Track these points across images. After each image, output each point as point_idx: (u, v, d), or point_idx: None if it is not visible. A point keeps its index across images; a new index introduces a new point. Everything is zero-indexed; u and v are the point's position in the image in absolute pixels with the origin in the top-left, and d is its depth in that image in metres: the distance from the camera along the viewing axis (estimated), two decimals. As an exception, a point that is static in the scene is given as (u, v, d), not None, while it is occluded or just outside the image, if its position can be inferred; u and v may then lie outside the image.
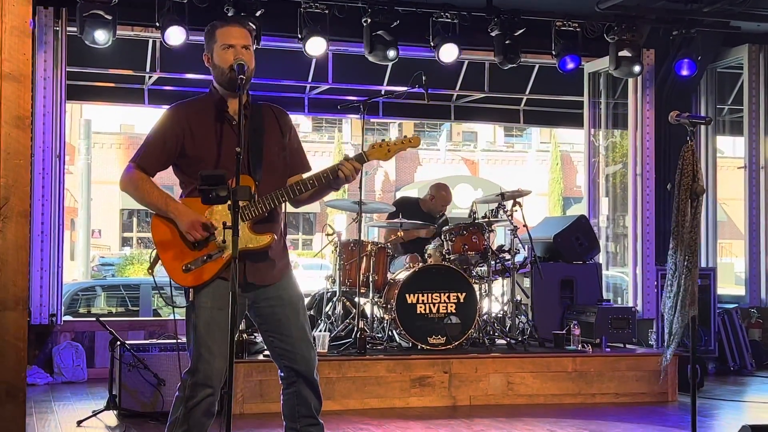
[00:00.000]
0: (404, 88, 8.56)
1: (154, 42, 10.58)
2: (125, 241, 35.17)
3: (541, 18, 10.08)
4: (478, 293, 8.22)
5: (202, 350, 3.99)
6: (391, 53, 9.46)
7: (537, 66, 11.97)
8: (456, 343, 7.97)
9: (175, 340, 7.11)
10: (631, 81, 10.42)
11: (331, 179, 4.11)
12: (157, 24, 9.07)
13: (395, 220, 8.76)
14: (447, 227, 8.66)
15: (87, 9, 8.61)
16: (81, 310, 12.99)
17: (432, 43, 9.73)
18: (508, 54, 9.93)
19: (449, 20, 9.68)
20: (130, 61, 10.94)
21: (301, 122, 35.18)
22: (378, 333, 8.24)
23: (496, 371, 7.81)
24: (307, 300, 7.56)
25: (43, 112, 8.68)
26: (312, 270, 21.13)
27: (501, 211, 8.55)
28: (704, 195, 4.58)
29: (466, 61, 11.70)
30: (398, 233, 8.75)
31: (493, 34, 9.90)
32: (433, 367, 7.69)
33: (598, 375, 8.01)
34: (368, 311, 8.45)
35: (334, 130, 37.63)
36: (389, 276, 8.41)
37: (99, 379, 8.61)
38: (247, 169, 4.03)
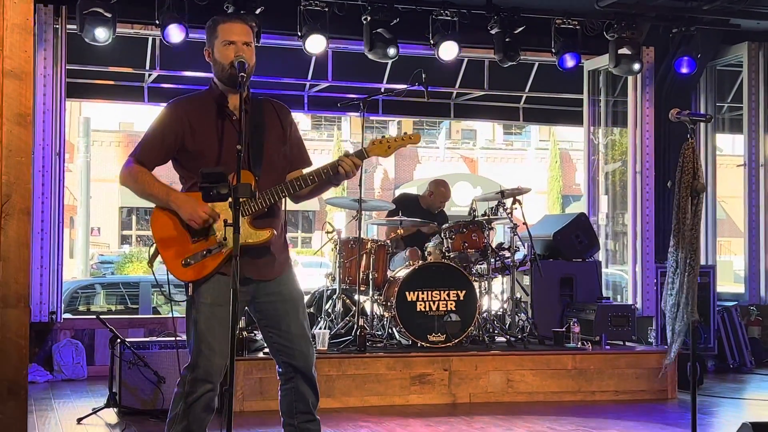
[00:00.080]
0: (404, 86, 8.56)
1: (153, 40, 10.58)
2: (124, 239, 35.17)
3: (540, 16, 10.08)
4: (477, 291, 8.22)
5: (202, 346, 4.00)
6: (391, 51, 9.46)
7: (536, 64, 11.98)
8: (456, 341, 7.97)
9: (174, 338, 7.15)
10: (630, 79, 10.42)
11: (331, 175, 4.11)
12: (157, 22, 9.05)
13: (395, 218, 8.76)
14: (447, 225, 8.66)
15: (87, 7, 8.61)
16: (80, 308, 12.99)
17: (432, 41, 9.73)
18: (507, 52, 9.94)
19: (449, 18, 9.68)
20: (129, 59, 10.94)
21: (301, 120, 35.17)
22: (378, 330, 8.25)
23: (496, 369, 7.82)
24: (306, 297, 7.57)
25: (42, 109, 8.68)
26: (311, 268, 21.14)
27: (501, 209, 8.55)
28: (704, 192, 4.57)
29: (466, 59, 11.71)
30: (398, 231, 8.76)
31: (492, 31, 9.90)
32: (433, 365, 7.69)
33: (597, 372, 8.02)
34: (368, 309, 8.45)
35: (333, 128, 37.64)
36: (389, 273, 8.41)
37: (99, 376, 8.62)
38: (248, 164, 4.03)
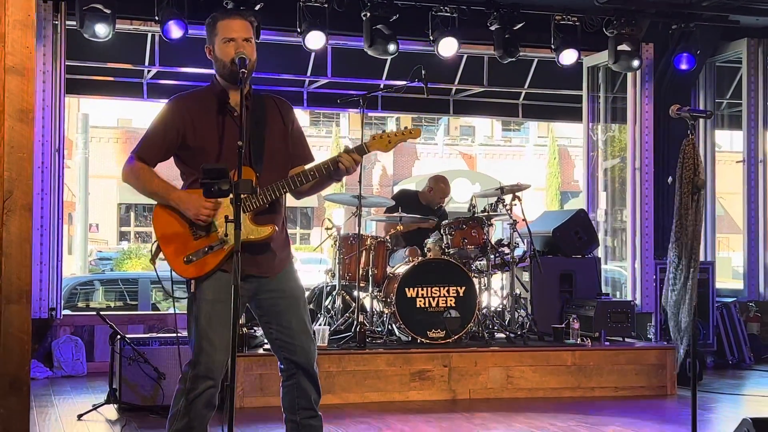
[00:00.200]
0: (404, 83, 8.57)
1: (153, 36, 10.56)
2: (123, 236, 35.15)
3: (540, 12, 10.08)
4: (477, 287, 8.23)
5: (204, 342, 4.00)
6: (391, 47, 9.46)
7: (536, 60, 11.98)
8: (455, 337, 7.98)
9: (174, 334, 7.15)
10: (630, 75, 10.43)
11: (332, 170, 4.11)
12: (156, 18, 9.05)
13: (395, 214, 8.76)
14: (446, 221, 8.66)
15: (86, 3, 8.61)
16: (79, 305, 13.00)
17: (431, 37, 9.73)
18: (507, 48, 9.94)
19: (448, 14, 9.68)
20: (128, 55, 10.93)
21: (299, 116, 34.97)
22: (377, 327, 8.25)
23: (496, 365, 7.82)
24: (306, 294, 7.57)
25: (42, 106, 8.67)
26: (310, 264, 21.15)
27: (500, 206, 8.56)
28: (704, 189, 4.57)
29: (465, 55, 11.70)
30: (398, 227, 8.76)
31: (492, 28, 9.90)
32: (433, 361, 7.70)
33: (597, 369, 8.02)
34: (368, 305, 8.46)
35: (332, 125, 37.62)
36: (389, 270, 8.42)
37: (98, 373, 8.62)
38: (249, 160, 4.03)
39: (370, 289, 8.24)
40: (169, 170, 4.31)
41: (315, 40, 9.31)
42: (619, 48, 9.96)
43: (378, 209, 9.77)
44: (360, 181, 7.88)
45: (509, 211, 8.56)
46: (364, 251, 8.23)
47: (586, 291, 9.05)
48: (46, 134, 8.70)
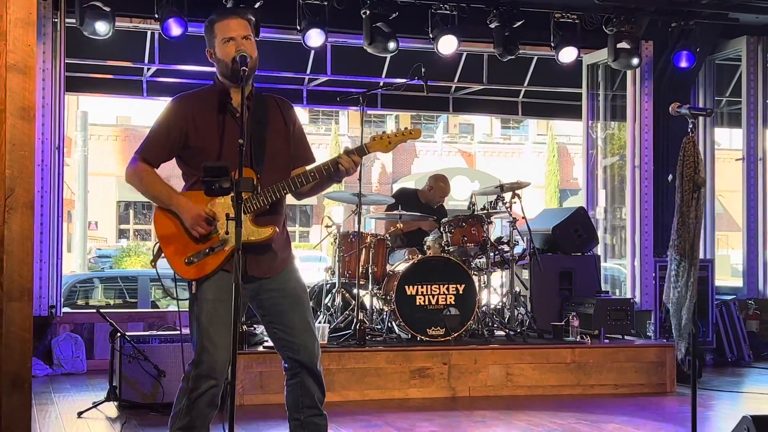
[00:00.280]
0: (403, 80, 8.57)
1: (152, 33, 10.56)
2: (122, 233, 35.16)
3: (539, 10, 10.08)
4: (477, 285, 8.23)
5: (206, 342, 4.01)
6: (392, 45, 9.46)
7: (535, 58, 11.99)
8: (455, 335, 7.98)
9: (175, 332, 7.16)
10: (629, 73, 10.43)
11: (332, 171, 4.12)
12: (156, 15, 9.05)
13: (394, 212, 8.77)
14: (446, 219, 8.67)
15: (86, 0, 8.60)
16: (79, 302, 13.01)
17: (431, 35, 9.73)
18: (507, 46, 9.93)
19: (448, 12, 9.67)
20: (128, 53, 10.93)
21: (299, 114, 35.06)
22: (377, 324, 8.26)
23: (495, 362, 7.83)
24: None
25: (42, 103, 8.66)
26: (309, 262, 21.13)
27: (500, 203, 8.56)
28: (705, 186, 4.57)
29: (465, 53, 11.70)
30: (398, 225, 8.77)
31: (492, 25, 9.89)
32: (433, 359, 7.70)
33: (596, 366, 8.03)
34: (367, 303, 8.46)
35: (331, 122, 37.62)
36: (388, 268, 8.42)
37: (98, 370, 8.63)
38: (250, 160, 4.03)
39: (370, 286, 8.25)
40: (170, 169, 4.31)
41: (314, 38, 9.30)
42: (619, 46, 9.96)
43: (377, 207, 9.76)
44: (360, 179, 7.88)
45: (509, 209, 8.57)
46: (363, 249, 8.24)
47: (585, 289, 9.06)
48: (46, 132, 8.70)
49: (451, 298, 8.05)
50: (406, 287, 7.98)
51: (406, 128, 4.35)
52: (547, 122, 36.89)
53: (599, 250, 10.41)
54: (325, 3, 9.29)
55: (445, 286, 8.05)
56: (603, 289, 9.51)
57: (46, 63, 8.71)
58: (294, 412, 4.25)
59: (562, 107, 13.22)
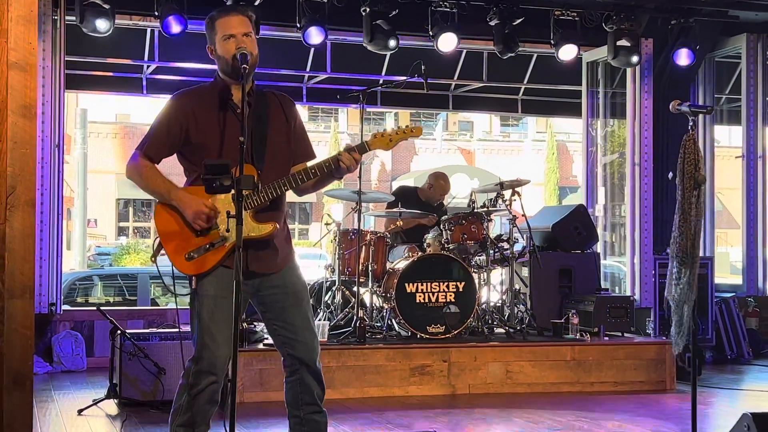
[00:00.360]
0: (403, 78, 8.56)
1: (152, 31, 10.56)
2: (121, 231, 35.16)
3: (539, 7, 10.07)
4: (477, 282, 8.24)
5: (206, 338, 4.02)
6: (392, 43, 9.46)
7: (535, 55, 11.99)
8: (455, 332, 7.99)
9: (175, 329, 7.16)
10: (629, 70, 10.42)
11: (333, 168, 4.13)
12: (156, 13, 9.05)
13: (394, 210, 8.77)
14: (446, 217, 8.67)
15: (86, -3, 8.62)
16: (78, 300, 12.99)
17: (431, 33, 9.72)
18: (507, 43, 9.93)
19: (448, 9, 9.67)
20: (128, 50, 10.92)
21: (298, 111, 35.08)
22: (377, 322, 8.27)
23: (495, 360, 7.84)
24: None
25: (41, 101, 8.65)
26: (309, 259, 21.13)
27: (500, 201, 8.56)
28: (705, 184, 4.58)
29: (465, 51, 11.70)
30: (398, 222, 8.77)
31: (491, 23, 9.89)
32: (432, 356, 7.71)
33: (596, 364, 8.04)
34: (367, 300, 8.47)
35: (331, 120, 37.63)
36: (388, 265, 8.43)
37: (98, 368, 8.64)
38: (250, 157, 4.04)
39: (370, 284, 8.25)
40: (170, 166, 4.32)
41: (314, 35, 9.30)
42: (619, 43, 9.96)
43: (377, 204, 9.76)
44: (360, 177, 7.89)
45: (509, 207, 8.57)
46: (363, 246, 8.24)
47: (585, 286, 9.06)
48: (46, 130, 8.69)
49: (450, 295, 8.05)
50: (406, 285, 7.99)
51: (407, 126, 4.35)
52: (546, 120, 36.91)
53: (599, 247, 10.42)
54: (325, 0, 9.30)
55: (445, 283, 8.05)
56: (603, 286, 9.51)
57: (46, 60, 8.71)
58: (293, 409, 4.25)
59: (561, 105, 13.22)
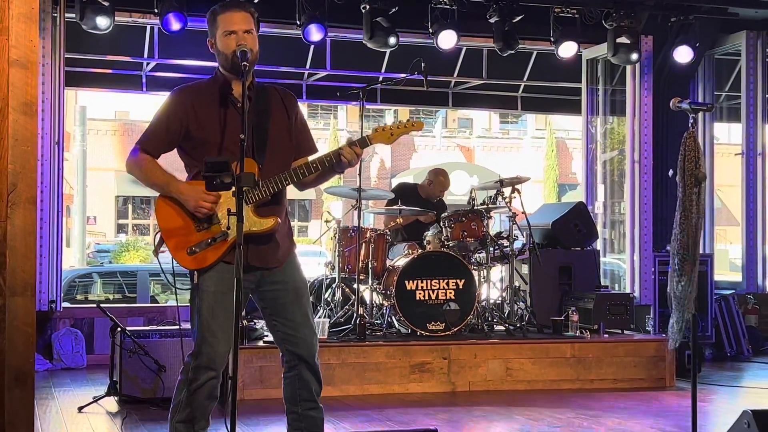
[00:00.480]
0: (403, 75, 8.56)
1: (152, 28, 10.55)
2: (120, 228, 35.13)
3: (539, 4, 10.06)
4: (476, 280, 8.24)
5: (206, 334, 4.03)
6: (392, 40, 9.46)
7: (535, 53, 11.99)
8: (455, 330, 8.00)
9: (175, 327, 7.16)
10: (629, 67, 10.42)
11: (334, 162, 4.13)
12: (156, 10, 9.05)
13: (394, 207, 8.77)
14: (446, 214, 8.67)
15: (85, -5, 8.61)
16: (78, 297, 13.00)
17: (430, 30, 9.72)
18: (507, 40, 9.93)
19: (447, 6, 9.67)
20: (127, 48, 10.92)
21: (297, 109, 35.04)
22: (377, 319, 8.27)
23: (495, 357, 7.84)
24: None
25: (41, 98, 8.65)
26: (308, 257, 21.14)
27: (500, 198, 8.57)
28: (705, 181, 4.58)
29: (464, 48, 11.69)
30: (398, 219, 8.77)
31: (491, 20, 9.88)
32: (433, 353, 7.71)
33: (596, 361, 8.04)
34: (367, 298, 8.47)
35: (330, 117, 37.62)
36: (388, 262, 8.43)
37: (98, 365, 8.64)
38: (251, 151, 4.04)
39: (370, 281, 8.26)
40: (171, 163, 4.31)
41: (314, 32, 9.29)
42: (618, 40, 9.96)
43: (376, 202, 9.77)
44: (360, 174, 7.89)
45: (508, 204, 8.57)
46: (363, 244, 8.24)
47: (585, 283, 9.07)
48: (46, 127, 8.69)
49: (450, 292, 8.05)
50: (406, 282, 7.99)
51: (408, 120, 4.35)
52: (545, 117, 36.87)
53: (598, 244, 10.42)
54: (325, -3, 9.30)
55: (445, 280, 8.06)
56: (602, 283, 9.52)
57: (46, 58, 8.70)
58: (291, 405, 4.26)
59: (561, 102, 13.21)
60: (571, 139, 37.79)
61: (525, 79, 12.71)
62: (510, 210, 8.61)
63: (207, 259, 4.02)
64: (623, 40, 9.95)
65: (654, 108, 10.30)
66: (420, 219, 9.22)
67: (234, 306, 3.70)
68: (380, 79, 11.34)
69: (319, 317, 8.03)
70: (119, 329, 6.96)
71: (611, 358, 8.08)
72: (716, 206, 12.33)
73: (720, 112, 12.37)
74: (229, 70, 4.13)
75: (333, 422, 6.29)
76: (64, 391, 7.58)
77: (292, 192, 4.31)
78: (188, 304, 4.16)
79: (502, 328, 8.35)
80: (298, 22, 9.34)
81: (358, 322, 7.74)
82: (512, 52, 10.13)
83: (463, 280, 8.09)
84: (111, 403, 6.90)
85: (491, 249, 8.48)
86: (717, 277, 10.35)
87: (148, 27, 10.51)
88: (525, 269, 9.05)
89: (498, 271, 9.22)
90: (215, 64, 4.24)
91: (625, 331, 8.61)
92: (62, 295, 9.19)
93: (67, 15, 8.95)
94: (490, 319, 8.40)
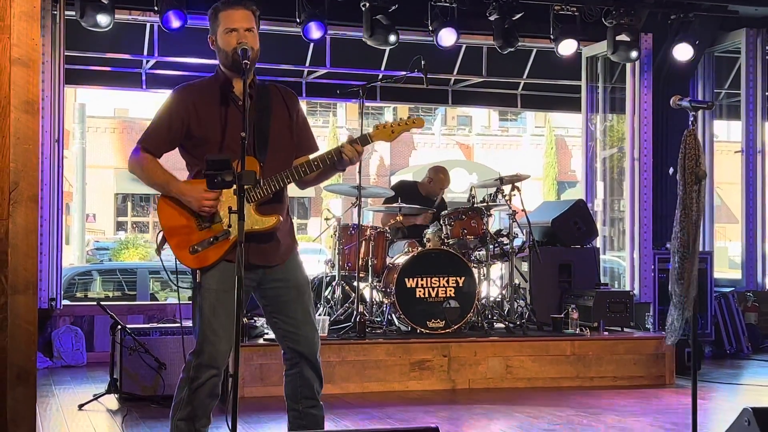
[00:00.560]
0: (403, 73, 8.56)
1: (152, 26, 10.55)
2: (120, 226, 35.14)
3: (539, 2, 10.06)
4: (476, 277, 8.25)
5: (208, 332, 4.03)
6: (392, 38, 9.46)
7: (534, 50, 11.99)
8: (455, 327, 8.00)
9: (175, 325, 7.17)
10: (628, 65, 10.42)
11: (336, 160, 4.14)
12: (155, 8, 9.04)
13: (394, 205, 8.78)
14: (446, 212, 8.68)
15: (85, -7, 8.61)
16: (78, 295, 13.00)
17: (430, 28, 9.72)
18: (506, 38, 9.93)
19: (447, 4, 9.67)
20: (127, 46, 10.91)
21: (297, 106, 35.06)
22: (377, 317, 8.27)
23: (495, 355, 7.85)
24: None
25: (41, 96, 8.64)
26: (308, 254, 21.16)
27: (499, 196, 8.57)
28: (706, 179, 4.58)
29: (464, 46, 11.70)
30: (397, 217, 8.78)
31: (491, 18, 9.89)
32: (432, 351, 7.72)
33: (596, 358, 8.05)
34: (367, 295, 8.47)
35: (329, 114, 37.63)
36: (388, 260, 8.43)
37: (98, 363, 8.66)
38: (253, 150, 4.05)
39: (370, 279, 8.26)
40: (172, 161, 4.32)
41: (314, 30, 9.29)
42: (618, 38, 9.96)
43: (375, 199, 9.78)
44: (359, 172, 7.89)
45: (508, 202, 8.57)
46: (363, 241, 8.25)
47: (584, 281, 9.07)
48: (46, 125, 8.68)
49: (450, 290, 8.06)
50: (406, 280, 8.00)
51: (409, 117, 4.37)
52: (544, 114, 36.90)
53: (598, 242, 10.43)
54: (325, -5, 9.30)
55: (445, 278, 8.06)
56: (602, 281, 9.51)
57: (46, 56, 8.68)
58: (292, 403, 4.27)
59: (561, 100, 13.22)
60: (571, 136, 37.81)
61: (525, 76, 12.72)
62: (510, 208, 8.61)
63: (209, 258, 4.03)
64: (623, 37, 9.95)
65: (654, 105, 10.30)
66: (417, 222, 9.23)
67: (235, 305, 3.71)
68: (380, 76, 11.34)
69: (319, 315, 8.03)
70: (119, 327, 6.96)
71: (611, 355, 8.09)
72: (716, 204, 12.34)
73: (719, 109, 12.37)
74: (229, 68, 4.13)
75: (333, 420, 6.29)
76: (65, 389, 7.58)
77: (291, 189, 4.31)
78: (189, 302, 4.17)
79: (502, 325, 8.35)
80: (298, 20, 9.34)
81: (358, 319, 7.75)
82: (512, 49, 10.13)
83: (463, 278, 8.10)
84: (111, 401, 6.91)
85: (491, 247, 8.48)
86: (716, 275, 10.36)
87: (148, 25, 10.51)
88: (525, 267, 9.06)
89: (498, 269, 9.22)
90: (215, 62, 4.24)
91: (625, 329, 8.61)
92: (62, 292, 9.19)
93: (66, 12, 8.94)
94: (490, 316, 8.40)
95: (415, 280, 8.00)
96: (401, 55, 10.33)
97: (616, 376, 8.05)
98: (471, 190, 8.84)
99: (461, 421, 6.51)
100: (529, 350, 7.92)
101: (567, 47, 10.10)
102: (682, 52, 10.10)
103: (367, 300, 8.42)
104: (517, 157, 37.62)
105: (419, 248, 8.33)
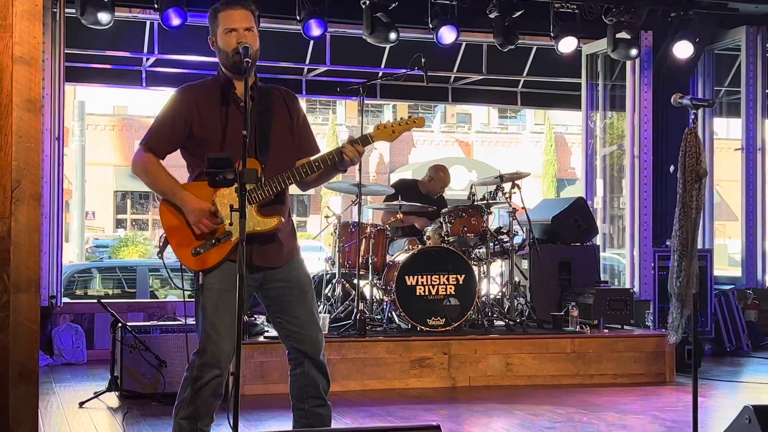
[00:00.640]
0: (404, 70, 8.56)
1: (151, 23, 10.55)
2: (119, 223, 35.15)
3: (539, 0, 10.06)
4: (476, 275, 8.25)
5: (211, 331, 4.03)
6: (392, 35, 9.45)
7: (534, 48, 11.99)
8: (455, 325, 8.00)
9: (175, 322, 7.17)
10: (628, 63, 10.41)
11: (337, 161, 4.13)
12: (155, 6, 9.03)
13: (394, 203, 8.78)
14: (446, 209, 8.68)
15: (85, -10, 8.60)
16: (78, 292, 13.01)
17: (430, 25, 9.71)
18: (506, 36, 9.92)
19: (447, 2, 9.66)
20: (127, 43, 10.92)
21: (296, 104, 35.06)
22: (377, 315, 8.28)
23: (495, 352, 7.85)
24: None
25: (41, 94, 8.63)
26: (309, 252, 21.16)
27: (499, 194, 8.57)
28: (706, 177, 4.58)
29: (464, 43, 11.70)
30: (397, 215, 8.78)
31: (491, 15, 9.88)
32: (433, 349, 7.72)
33: (596, 356, 8.06)
34: (367, 293, 8.47)
35: (329, 112, 37.63)
36: (388, 258, 8.43)
37: (98, 360, 8.66)
38: (254, 151, 4.05)
39: (370, 277, 8.26)
40: (174, 159, 4.32)
41: (314, 28, 9.29)
42: (618, 36, 9.95)
43: (375, 197, 9.77)
44: (360, 170, 7.88)
45: (508, 199, 8.58)
46: (363, 239, 8.25)
47: (584, 279, 9.08)
48: (46, 123, 8.66)
49: (451, 288, 8.06)
50: (406, 277, 8.00)
51: (409, 117, 4.37)
52: (544, 112, 36.90)
53: (598, 239, 10.43)
54: (325, -7, 9.29)
55: (445, 276, 8.06)
56: (602, 279, 9.52)
57: (46, 53, 8.67)
58: (298, 402, 4.27)
59: (561, 97, 13.24)
60: (570, 134, 37.82)
61: (525, 74, 12.73)
62: (510, 205, 8.61)
63: (211, 259, 4.03)
64: (623, 35, 9.95)
65: (653, 103, 10.30)
66: (416, 226, 9.23)
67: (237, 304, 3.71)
68: (380, 74, 11.34)
69: (320, 313, 8.04)
70: (120, 324, 6.97)
71: (611, 353, 8.09)
72: (716, 201, 12.34)
73: (719, 107, 12.38)
74: (229, 68, 4.13)
75: (334, 418, 6.20)
76: (65, 387, 7.59)
77: (291, 187, 4.32)
78: (192, 299, 4.17)
79: (502, 323, 8.36)
80: (298, 18, 9.33)
81: (358, 317, 7.75)
82: (512, 47, 10.12)
83: (463, 276, 8.10)
84: (112, 399, 6.91)
85: (491, 244, 8.48)
86: (716, 273, 10.37)
87: (148, 22, 10.51)
88: (525, 264, 9.06)
89: (498, 267, 9.22)
90: (215, 60, 4.23)
91: (625, 327, 8.61)
92: (62, 290, 9.19)
93: (67, 10, 8.93)
94: (490, 314, 8.41)
95: (416, 277, 8.01)
96: (401, 53, 10.33)
97: (616, 374, 8.06)
98: (471, 187, 8.84)
99: (462, 419, 6.51)
100: (530, 348, 7.93)
101: (567, 45, 10.10)
102: (682, 49, 10.09)
103: (368, 298, 8.42)
104: (517, 155, 37.63)
105: (419, 246, 8.34)
